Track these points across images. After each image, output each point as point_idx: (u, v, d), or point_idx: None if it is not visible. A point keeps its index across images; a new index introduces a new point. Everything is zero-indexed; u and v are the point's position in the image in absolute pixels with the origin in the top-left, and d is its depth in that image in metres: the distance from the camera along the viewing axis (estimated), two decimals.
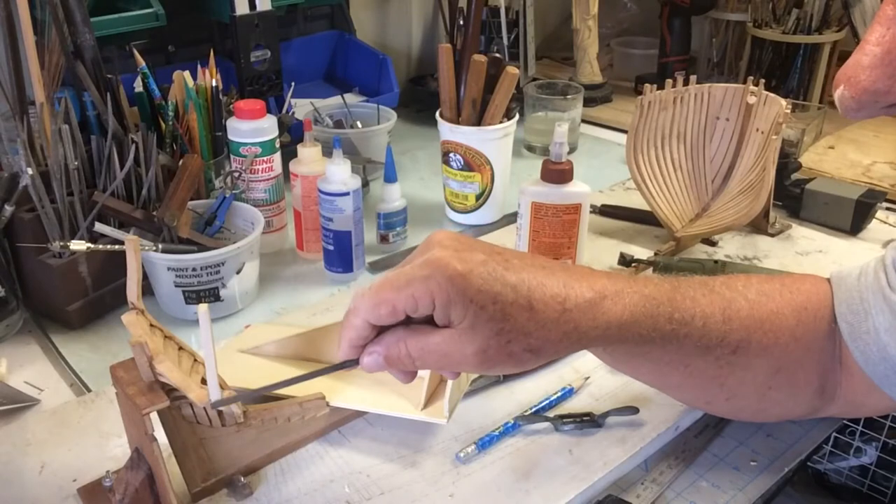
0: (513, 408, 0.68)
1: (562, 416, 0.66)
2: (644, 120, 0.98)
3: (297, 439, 0.63)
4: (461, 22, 1.29)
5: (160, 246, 0.77)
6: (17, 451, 0.63)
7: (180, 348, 0.55)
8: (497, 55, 0.96)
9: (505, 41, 1.38)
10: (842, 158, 1.20)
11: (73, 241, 0.73)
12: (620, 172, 1.14)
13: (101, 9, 0.97)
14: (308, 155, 0.89)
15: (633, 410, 0.66)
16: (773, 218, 0.99)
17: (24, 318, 0.81)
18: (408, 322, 0.49)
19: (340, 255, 0.87)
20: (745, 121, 0.98)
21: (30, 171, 0.74)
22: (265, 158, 0.90)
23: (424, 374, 0.62)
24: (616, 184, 1.14)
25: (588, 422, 0.65)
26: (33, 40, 0.80)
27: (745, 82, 0.98)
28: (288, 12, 1.26)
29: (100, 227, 0.76)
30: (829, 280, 0.60)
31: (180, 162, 0.84)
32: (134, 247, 0.54)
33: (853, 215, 0.98)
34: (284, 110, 1.13)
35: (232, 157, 0.91)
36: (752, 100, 0.97)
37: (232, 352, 0.71)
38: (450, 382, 0.62)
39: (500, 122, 0.97)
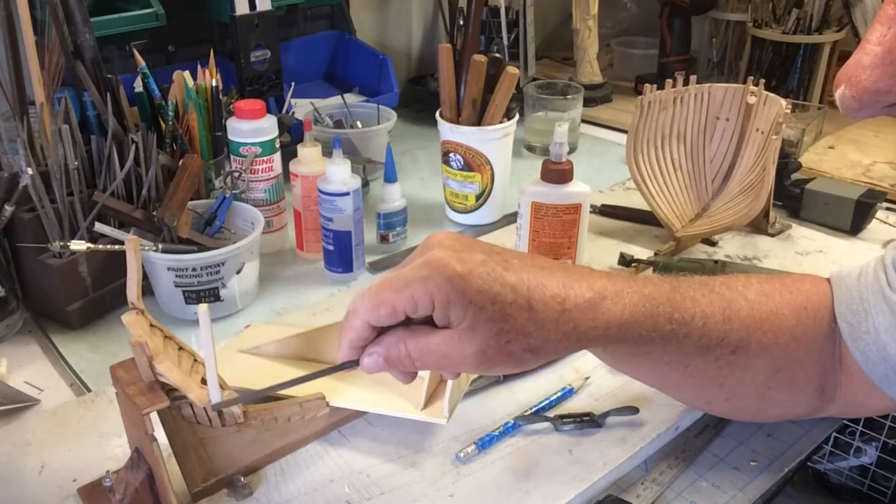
0: (513, 408, 0.68)
1: (562, 416, 0.66)
2: (644, 120, 0.98)
3: (297, 439, 0.63)
4: (461, 22, 1.29)
5: (160, 246, 0.77)
6: (17, 451, 0.63)
7: (180, 348, 0.55)
8: (497, 55, 0.96)
9: (505, 41, 1.38)
10: (842, 158, 1.20)
11: (73, 241, 0.73)
12: (620, 172, 1.14)
13: (101, 9, 0.97)
14: (308, 155, 0.89)
15: (633, 410, 0.66)
16: (773, 218, 0.99)
17: (24, 318, 0.81)
18: (407, 323, 0.49)
19: (340, 255, 0.87)
20: (745, 121, 0.98)
21: (30, 171, 0.74)
22: (265, 158, 0.90)
23: (424, 375, 0.62)
24: (616, 184, 1.14)
25: (588, 422, 0.65)
26: (33, 40, 0.80)
27: (745, 82, 0.98)
28: (288, 12, 1.26)
29: (100, 227, 0.76)
30: (829, 280, 0.60)
31: (180, 162, 0.84)
32: (134, 247, 0.54)
33: (853, 215, 0.98)
34: (284, 110, 1.13)
35: (232, 157, 0.91)
36: (752, 100, 0.97)
37: (232, 352, 0.71)
38: (450, 382, 0.62)
39: (500, 122, 0.97)
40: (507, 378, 0.71)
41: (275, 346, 0.71)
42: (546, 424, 0.66)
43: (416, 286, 0.46)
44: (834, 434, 1.06)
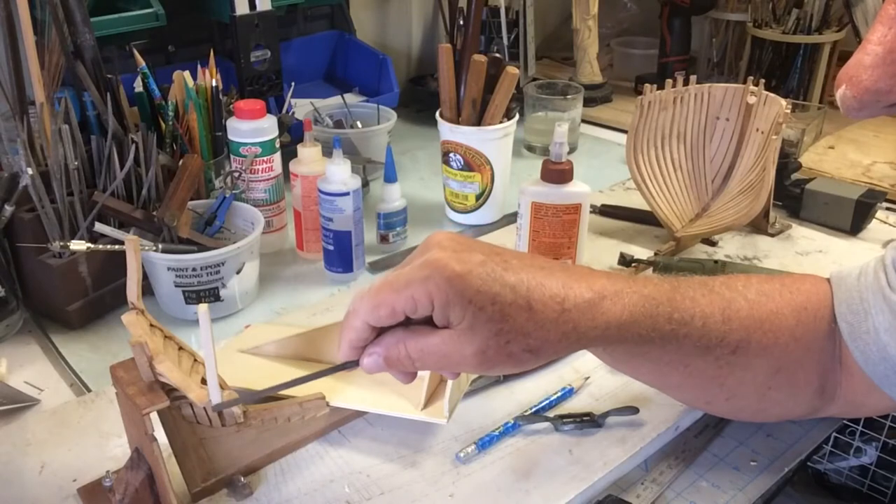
0: (513, 408, 0.68)
1: (562, 416, 0.66)
2: (644, 120, 0.98)
3: (297, 439, 0.63)
4: (461, 22, 1.29)
5: (160, 246, 0.77)
6: (17, 451, 0.63)
7: (180, 348, 0.55)
8: (497, 55, 0.96)
9: (505, 41, 1.38)
10: (842, 158, 1.20)
11: (73, 241, 0.73)
12: (620, 172, 1.14)
13: (101, 9, 0.97)
14: (308, 155, 0.89)
15: (633, 410, 0.66)
16: (773, 218, 0.99)
17: (24, 318, 0.81)
18: (407, 323, 0.49)
19: (340, 255, 0.87)
20: (745, 121, 0.98)
21: (30, 171, 0.74)
22: (265, 158, 0.90)
23: (424, 375, 0.62)
24: (616, 184, 1.14)
25: (588, 422, 0.65)
26: (33, 40, 0.80)
27: (745, 82, 0.98)
28: (288, 12, 1.26)
29: (100, 227, 0.76)
30: (828, 280, 0.60)
31: (180, 162, 0.84)
32: (134, 247, 0.54)
33: (853, 215, 0.98)
34: (284, 110, 1.13)
35: (232, 157, 0.91)
36: (752, 100, 0.97)
37: (232, 352, 0.71)
38: (450, 382, 0.62)
39: (500, 122, 0.97)
40: (507, 378, 0.71)
41: (275, 346, 0.71)
42: (546, 424, 0.66)
43: (416, 287, 0.46)
44: (834, 434, 1.06)
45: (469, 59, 0.94)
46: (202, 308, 0.47)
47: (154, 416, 0.52)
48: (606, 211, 1.03)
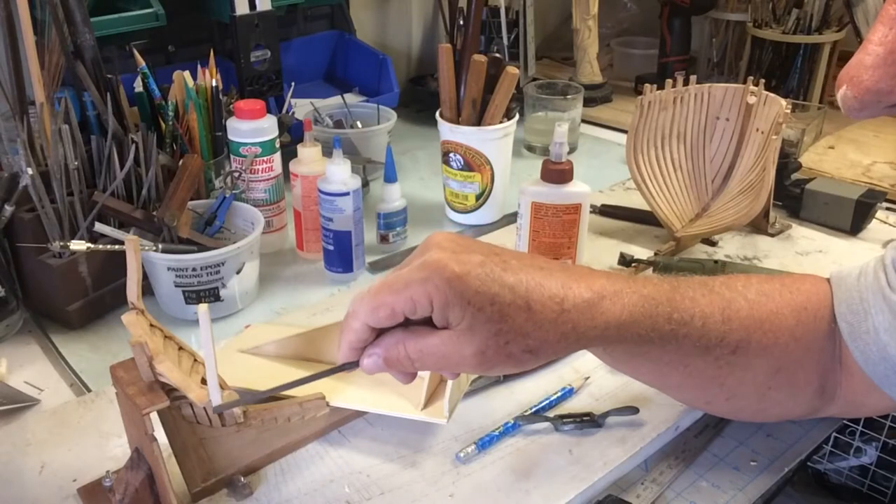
0: (513, 408, 0.68)
1: (562, 416, 0.66)
2: (644, 120, 0.98)
3: (297, 439, 0.63)
4: (461, 22, 1.29)
5: (160, 246, 0.77)
6: (17, 451, 0.63)
7: (180, 348, 0.55)
8: (497, 55, 0.96)
9: (505, 41, 1.38)
10: (842, 158, 1.20)
11: (73, 241, 0.73)
12: (620, 172, 1.14)
13: (101, 9, 0.97)
14: (308, 155, 0.89)
15: (633, 410, 0.66)
16: (773, 218, 0.99)
17: (24, 318, 0.81)
18: (407, 324, 0.49)
19: (340, 255, 0.87)
20: (745, 121, 0.98)
21: (30, 171, 0.74)
22: (265, 158, 0.90)
23: (424, 375, 0.62)
24: (616, 184, 1.14)
25: (588, 422, 0.65)
26: (33, 40, 0.80)
27: (745, 82, 0.98)
28: (288, 12, 1.26)
29: (100, 227, 0.76)
30: (828, 280, 0.60)
31: (180, 162, 0.84)
32: (134, 247, 0.54)
33: (853, 215, 0.98)
34: (284, 110, 1.13)
35: (232, 157, 0.91)
36: (752, 100, 0.97)
37: (232, 352, 0.71)
38: (450, 382, 0.62)
39: (500, 122, 0.97)
40: (507, 378, 0.71)
41: (275, 346, 0.71)
42: (546, 424, 0.66)
43: (415, 288, 0.46)
44: (834, 434, 1.06)
45: (469, 59, 0.94)
46: (202, 308, 0.47)
47: (154, 416, 0.52)
48: (606, 211, 1.03)
